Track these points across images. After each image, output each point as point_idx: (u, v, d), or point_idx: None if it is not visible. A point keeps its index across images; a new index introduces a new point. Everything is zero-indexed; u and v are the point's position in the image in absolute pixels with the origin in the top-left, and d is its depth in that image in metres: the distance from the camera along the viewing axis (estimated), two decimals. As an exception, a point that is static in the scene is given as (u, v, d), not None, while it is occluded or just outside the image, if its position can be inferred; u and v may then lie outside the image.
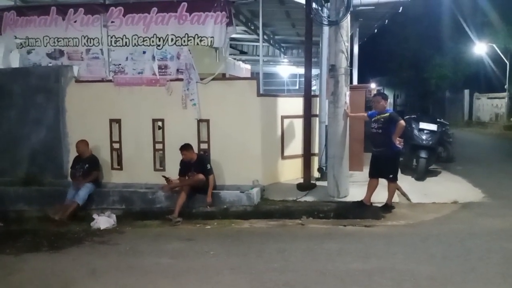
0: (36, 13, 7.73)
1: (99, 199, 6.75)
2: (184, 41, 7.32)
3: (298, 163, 7.47)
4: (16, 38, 7.80)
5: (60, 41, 7.70)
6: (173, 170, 6.78)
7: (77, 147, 6.90)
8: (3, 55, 7.85)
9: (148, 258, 4.80)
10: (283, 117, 7.47)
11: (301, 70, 16.41)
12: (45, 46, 7.75)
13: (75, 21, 7.60)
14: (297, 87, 18.96)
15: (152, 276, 4.27)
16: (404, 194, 6.90)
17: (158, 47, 7.46)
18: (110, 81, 7.39)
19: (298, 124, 7.49)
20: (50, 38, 7.71)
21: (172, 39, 7.37)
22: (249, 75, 10.79)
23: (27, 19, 7.75)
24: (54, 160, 7.35)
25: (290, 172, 7.53)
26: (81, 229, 5.95)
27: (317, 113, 7.50)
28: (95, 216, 6.13)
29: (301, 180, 7.27)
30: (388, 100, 7.47)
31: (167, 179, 6.54)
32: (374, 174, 6.25)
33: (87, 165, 6.82)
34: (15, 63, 7.86)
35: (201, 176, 6.44)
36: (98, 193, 6.78)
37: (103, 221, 6.02)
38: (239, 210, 6.40)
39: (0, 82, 7.54)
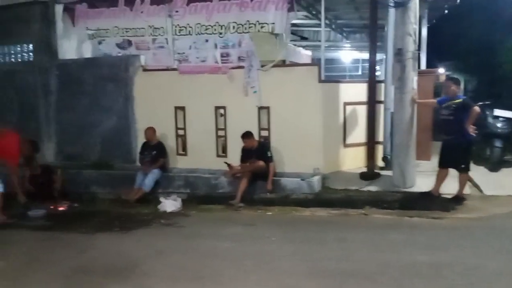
0: (106, 5, 8.12)
1: (166, 183, 7.03)
2: (246, 28, 7.36)
3: (361, 151, 7.26)
4: (87, 29, 8.26)
5: (128, 31, 8.05)
6: (235, 156, 6.87)
7: (145, 134, 7.19)
8: (76, 45, 8.34)
9: (211, 241, 4.92)
10: (345, 104, 7.27)
11: (364, 55, 15.88)
12: (115, 37, 8.14)
13: (141, 12, 7.90)
14: (359, 73, 18.38)
15: (215, 259, 4.37)
16: (476, 186, 6.47)
17: (220, 35, 7.57)
18: (175, 69, 7.60)
19: (362, 111, 7.26)
20: (119, 29, 8.09)
21: (233, 27, 7.44)
22: (309, 61, 10.59)
23: (97, 11, 8.17)
24: (123, 146, 7.74)
25: (353, 160, 7.34)
26: (148, 212, 6.24)
27: (382, 99, 7.20)
28: (162, 199, 6.39)
29: (364, 169, 7.06)
30: (461, 85, 6.99)
31: (229, 165, 6.65)
32: (444, 164, 5.90)
33: (155, 151, 7.09)
34: (87, 53, 8.33)
35: (261, 163, 6.47)
36: (164, 177, 7.06)
37: (169, 204, 6.26)
38: (299, 198, 6.37)
39: (74, 71, 8.02)
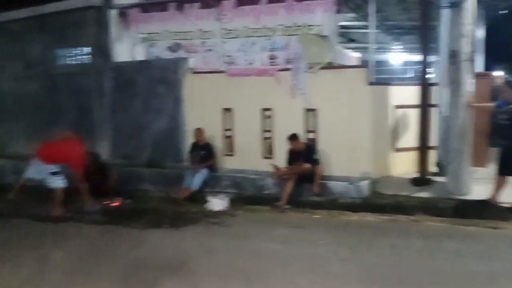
0: (157, 9, 8.38)
1: (213, 183, 7.15)
2: (293, 31, 7.37)
3: (412, 156, 7.03)
4: (140, 33, 8.56)
5: (178, 34, 8.27)
6: (281, 158, 6.88)
7: (194, 134, 7.35)
8: (129, 49, 8.66)
9: (258, 242, 4.96)
10: (396, 107, 7.10)
11: (414, 57, 15.44)
12: (165, 40, 8.39)
13: (191, 16, 8.09)
14: (410, 75, 17.88)
15: (262, 260, 4.40)
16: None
17: (267, 38, 7.62)
18: (223, 72, 7.72)
19: (413, 114, 7.05)
20: (169, 32, 8.32)
21: (281, 29, 7.47)
22: (358, 64, 10.44)
23: (149, 15, 8.45)
24: (173, 146, 7.95)
25: (403, 165, 7.13)
26: (196, 210, 6.37)
27: (435, 102, 6.97)
28: (209, 198, 6.51)
29: (416, 175, 6.84)
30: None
31: (275, 167, 6.67)
32: (503, 171, 5.62)
33: (204, 151, 7.22)
34: (139, 56, 8.64)
35: (308, 165, 6.44)
36: (212, 177, 7.18)
37: (217, 203, 6.37)
38: (347, 202, 6.27)
39: (127, 73, 8.34)
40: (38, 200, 6.52)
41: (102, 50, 8.35)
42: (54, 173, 6.28)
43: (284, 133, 6.78)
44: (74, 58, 8.67)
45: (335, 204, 6.28)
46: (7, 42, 9.33)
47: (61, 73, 8.77)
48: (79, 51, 8.59)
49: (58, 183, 6.29)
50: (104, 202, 6.75)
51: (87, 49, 8.51)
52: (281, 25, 7.46)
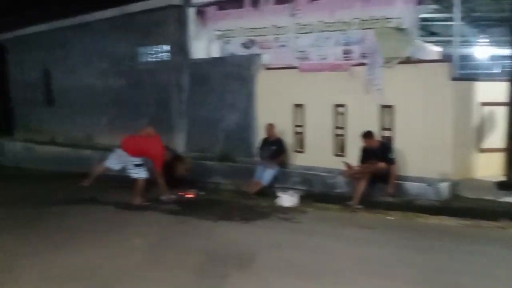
0: (233, 7, 8.55)
1: (283, 179, 7.18)
2: (370, 24, 7.12)
3: (499, 158, 6.50)
4: (216, 30, 8.80)
5: (253, 31, 8.38)
6: (353, 156, 6.70)
7: (265, 130, 7.42)
8: (206, 46, 8.94)
9: (329, 240, 4.88)
10: (482, 104, 6.59)
11: (503, 51, 14.16)
12: (240, 37, 8.55)
13: (265, 12, 8.15)
14: (497, 71, 16.46)
15: (331, 259, 4.32)
16: None
17: (342, 32, 7.45)
18: (295, 67, 7.69)
19: (501, 112, 6.49)
20: (244, 29, 8.46)
21: (357, 23, 7.26)
22: (439, 58, 9.81)
23: (225, 13, 8.65)
24: (245, 141, 8.09)
25: (488, 167, 6.61)
26: (266, 205, 6.42)
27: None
28: (279, 194, 6.52)
29: (502, 178, 6.31)
30: None
31: (347, 165, 6.51)
32: None
33: (275, 147, 7.26)
34: (215, 53, 8.88)
35: (382, 164, 6.20)
36: (282, 173, 7.21)
37: (287, 199, 6.37)
38: (424, 204, 5.96)
39: (203, 70, 8.62)
40: (121, 189, 6.97)
41: (180, 47, 8.71)
42: (138, 165, 6.68)
43: (357, 130, 6.60)
44: (154, 55, 9.12)
45: (410, 206, 6.00)
46: (96, 41, 10.08)
47: (143, 69, 9.30)
48: (159, 49, 9.02)
49: (141, 174, 6.68)
50: (179, 193, 7.06)
51: (166, 47, 8.91)
52: (357, 18, 7.27)
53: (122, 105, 9.69)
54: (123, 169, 6.74)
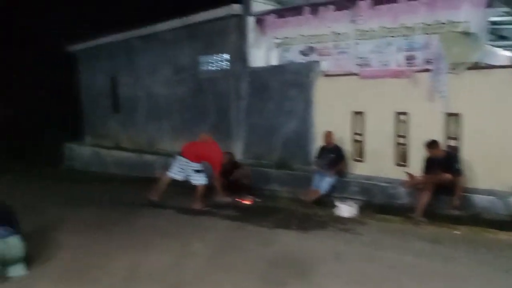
0: (292, 14, 8.58)
1: (341, 188, 7.08)
2: (435, 29, 6.87)
3: None
4: (275, 38, 8.88)
5: (312, 38, 8.37)
6: (415, 166, 6.47)
7: (324, 138, 7.37)
8: (264, 54, 9.05)
9: (390, 253, 4.75)
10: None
11: None
12: (299, 44, 8.57)
13: (325, 19, 8.11)
14: None
15: (393, 272, 4.22)
16: None
17: (405, 37, 7.25)
18: (355, 74, 7.57)
19: None
20: (303, 36, 8.47)
21: (421, 28, 7.04)
22: (509, 63, 9.23)
23: (284, 21, 8.70)
24: (302, 148, 8.07)
25: None
26: (324, 214, 6.37)
27: None
28: (337, 203, 6.45)
29: None
30: None
31: (410, 175, 6.30)
32: None
33: (333, 155, 7.19)
34: (274, 60, 8.97)
35: (448, 175, 5.93)
36: (340, 182, 7.11)
37: (346, 209, 6.28)
38: (493, 218, 5.64)
39: (262, 78, 8.72)
40: (182, 194, 7.21)
41: (240, 56, 8.89)
42: (198, 171, 6.91)
43: (420, 139, 6.37)
44: (215, 64, 9.37)
45: (478, 219, 5.70)
46: (160, 50, 10.54)
47: (204, 78, 9.59)
48: (219, 58, 9.26)
49: (201, 180, 6.90)
50: (237, 199, 7.19)
51: (226, 56, 9.13)
52: (421, 23, 7.03)
53: (184, 112, 10.04)
54: (185, 178, 6.98)
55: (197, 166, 6.94)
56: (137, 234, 5.82)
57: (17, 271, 4.51)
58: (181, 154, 7.08)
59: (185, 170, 6.97)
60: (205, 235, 5.65)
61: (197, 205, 6.86)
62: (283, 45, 8.81)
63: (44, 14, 16.25)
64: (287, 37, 8.69)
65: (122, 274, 4.48)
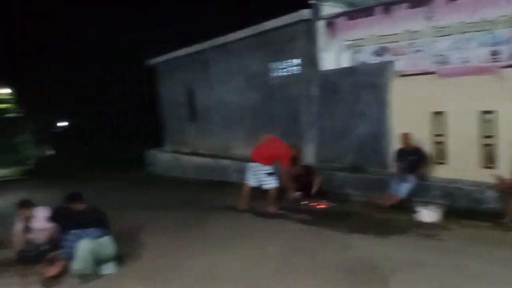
0: (363, 15, 8.39)
1: (422, 192, 6.75)
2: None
3: None
4: (346, 40, 8.75)
5: (385, 38, 8.12)
6: (505, 168, 5.99)
7: (401, 140, 7.09)
8: (335, 56, 8.95)
9: (476, 262, 4.44)
10: None
11: None
12: (371, 45, 8.36)
13: (398, 17, 7.83)
14: None
15: (481, 282, 3.97)
16: None
17: (487, 32, 6.78)
18: (432, 73, 7.21)
19: None
20: (375, 37, 8.25)
21: (504, 21, 6.55)
22: None
23: (355, 22, 8.53)
24: (377, 151, 7.82)
25: None
26: (403, 219, 6.12)
27: None
28: (418, 208, 6.15)
29: None
30: None
31: (498, 178, 5.84)
32: None
33: (413, 157, 6.86)
34: (345, 63, 8.83)
35: (543, 177, 5.42)
36: (420, 185, 6.78)
37: (427, 214, 5.97)
38: None
39: (332, 80, 8.61)
40: (256, 198, 7.34)
41: (310, 60, 8.88)
42: (269, 174, 7.01)
43: (509, 139, 5.89)
44: (285, 70, 9.45)
45: None
46: (232, 59, 10.87)
47: (274, 84, 9.72)
48: (290, 63, 9.33)
49: (273, 183, 6.99)
50: (311, 204, 7.17)
51: (297, 61, 9.16)
52: (504, 16, 6.54)
53: (256, 118, 10.24)
54: (259, 183, 7.13)
55: (268, 168, 7.04)
56: (213, 236, 6.06)
57: (109, 269, 4.92)
58: (252, 160, 7.22)
59: (257, 175, 7.10)
60: (279, 238, 5.71)
61: (272, 208, 6.96)
62: (354, 47, 8.65)
63: (126, 31, 17.55)
64: (358, 39, 8.52)
65: (199, 274, 4.69)
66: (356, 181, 7.74)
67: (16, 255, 5.44)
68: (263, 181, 7.06)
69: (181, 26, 16.03)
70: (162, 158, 13.53)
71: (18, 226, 5.58)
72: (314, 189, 7.54)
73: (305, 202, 7.30)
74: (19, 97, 27.02)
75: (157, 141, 14.19)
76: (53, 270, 4.77)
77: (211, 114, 11.79)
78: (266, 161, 7.07)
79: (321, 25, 8.84)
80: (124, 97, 18.93)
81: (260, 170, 7.07)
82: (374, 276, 4.27)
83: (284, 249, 5.29)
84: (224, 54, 11.11)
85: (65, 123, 26.16)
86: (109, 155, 17.06)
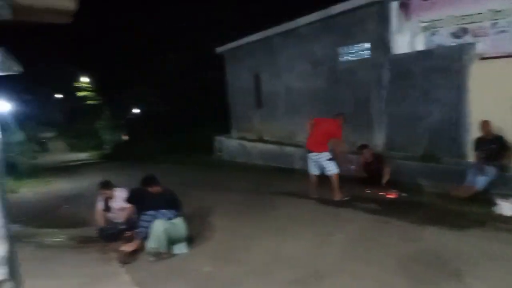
0: (442, -6, 7.89)
1: (503, 183, 6.27)
2: None
3: None
4: (421, 22, 8.27)
5: (465, 19, 7.58)
6: None
7: (481, 128, 6.62)
8: (408, 39, 8.50)
9: None
10: None
11: None
12: (449, 26, 7.84)
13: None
14: None
15: None
16: None
17: None
18: (518, 55, 6.62)
19: None
20: (454, 17, 7.73)
21: None
22: None
23: (432, 2, 8.04)
24: (453, 139, 7.38)
25: None
26: (481, 212, 5.74)
27: None
28: (498, 200, 5.73)
29: None
30: None
31: None
32: None
33: (492, 146, 6.40)
34: (419, 46, 8.37)
35: None
36: (502, 176, 6.31)
37: (508, 207, 5.55)
38: None
39: (405, 65, 8.20)
40: (322, 185, 7.29)
41: (381, 43, 8.53)
42: (329, 160, 6.91)
43: None
44: (355, 54, 9.16)
45: None
46: (299, 45, 10.74)
47: (342, 69, 9.47)
48: (359, 47, 9.02)
49: (334, 170, 6.90)
50: (380, 193, 6.96)
51: (367, 45, 8.84)
52: None
53: (322, 105, 10.07)
54: (321, 171, 7.08)
55: (327, 155, 6.96)
56: (279, 220, 6.12)
57: (181, 249, 5.17)
58: (309, 150, 7.15)
59: (318, 163, 7.05)
60: (345, 226, 5.63)
61: (337, 196, 6.87)
62: (430, 29, 8.17)
63: (195, 20, 18.03)
64: (435, 20, 8.04)
65: (265, 257, 4.78)
66: (428, 171, 7.36)
67: (97, 232, 5.90)
68: (324, 168, 6.99)
69: (249, 13, 16.15)
70: (229, 144, 13.84)
71: (99, 205, 6.04)
72: (385, 178, 7.30)
73: (374, 191, 7.10)
74: (97, 86, 29.01)
75: (225, 128, 14.52)
76: (130, 247, 5.11)
77: (277, 100, 11.80)
78: (322, 146, 6.99)
79: (394, 6, 8.44)
80: (194, 84, 19.57)
81: (320, 158, 7.00)
82: (446, 269, 4.08)
83: (350, 237, 5.22)
84: (290, 40, 11.02)
85: (139, 110, 27.69)
86: (180, 140, 17.81)
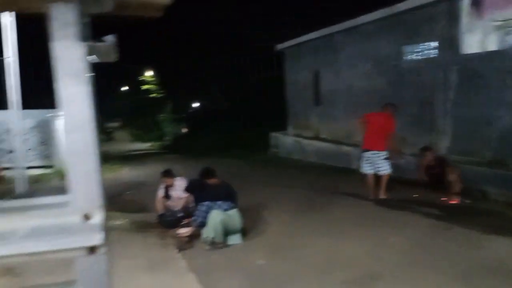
0: (519, -9, 7.38)
1: None
2: None
3: None
4: (494, 20, 7.78)
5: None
6: None
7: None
8: (480, 39, 8.04)
9: None
10: None
11: None
12: (526, 25, 7.33)
13: None
14: None
15: None
16: None
17: None
18: None
19: None
20: (532, 16, 7.21)
21: None
22: None
23: (507, 0, 7.55)
24: (525, 146, 6.92)
25: None
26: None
27: None
28: None
29: None
30: None
31: None
32: None
33: None
34: (491, 46, 7.89)
35: None
36: None
37: None
38: None
39: (474, 65, 7.75)
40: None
41: (449, 42, 8.13)
42: (385, 159, 6.81)
43: None
44: (420, 53, 8.82)
45: None
46: (361, 43, 10.51)
47: (405, 68, 9.15)
48: (426, 46, 8.66)
49: (388, 169, 6.80)
50: (442, 199, 6.68)
51: (434, 43, 8.47)
52: None
53: (383, 104, 9.79)
54: (375, 170, 7.00)
55: (384, 154, 6.89)
56: (334, 220, 6.08)
57: (235, 240, 5.31)
58: (366, 149, 7.06)
59: (373, 162, 6.99)
60: (403, 230, 5.48)
61: (384, 195, 6.85)
62: (505, 28, 7.66)
63: (258, 18, 18.24)
64: (510, 19, 7.52)
65: (320, 256, 4.77)
66: (496, 178, 6.92)
67: (157, 218, 6.20)
68: (379, 167, 6.91)
69: (310, 11, 16.05)
70: (285, 141, 13.88)
71: (160, 193, 6.34)
72: (456, 186, 6.80)
73: (435, 196, 6.83)
74: (160, 79, 30.17)
75: (282, 125, 14.59)
76: (187, 232, 5.32)
77: (335, 98, 11.65)
78: (380, 143, 6.89)
79: (465, 3, 8.00)
80: (253, 81, 19.83)
81: (377, 157, 6.92)
82: (509, 278, 3.86)
83: (409, 241, 5.07)
84: (352, 38, 10.82)
85: (198, 104, 28.48)
86: (238, 135, 18.13)
